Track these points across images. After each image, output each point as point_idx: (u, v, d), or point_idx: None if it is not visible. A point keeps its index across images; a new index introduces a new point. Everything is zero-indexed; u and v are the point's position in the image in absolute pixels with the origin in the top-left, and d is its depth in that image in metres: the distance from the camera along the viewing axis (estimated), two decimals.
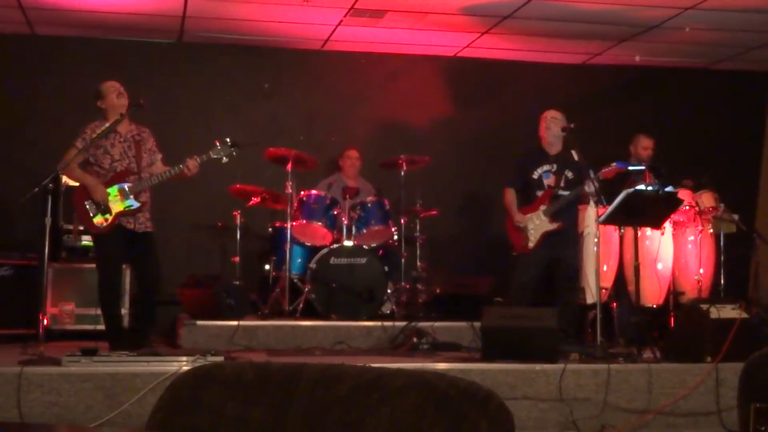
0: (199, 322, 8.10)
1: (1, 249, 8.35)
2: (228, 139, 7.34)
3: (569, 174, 8.09)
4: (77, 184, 7.16)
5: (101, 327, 8.69)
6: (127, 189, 7.02)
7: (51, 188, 6.80)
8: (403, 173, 9.36)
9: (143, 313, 7.45)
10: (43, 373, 6.04)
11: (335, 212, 9.05)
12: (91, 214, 6.97)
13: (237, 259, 9.45)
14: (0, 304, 8.08)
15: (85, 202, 6.98)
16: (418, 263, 9.44)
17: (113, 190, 6.98)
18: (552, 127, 8.17)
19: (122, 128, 7.21)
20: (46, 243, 6.69)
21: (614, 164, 8.04)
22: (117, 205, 6.95)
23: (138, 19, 9.86)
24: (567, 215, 8.12)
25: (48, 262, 6.84)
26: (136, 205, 7.11)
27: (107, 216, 6.89)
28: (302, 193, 9.17)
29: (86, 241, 8.98)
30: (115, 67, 10.43)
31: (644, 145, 9.27)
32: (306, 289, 8.74)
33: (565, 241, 8.10)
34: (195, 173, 7.28)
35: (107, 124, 7.07)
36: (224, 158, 7.36)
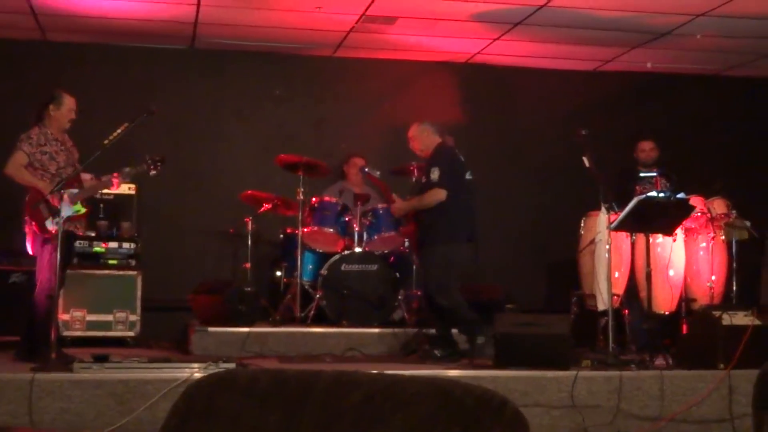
0: (211, 329, 8.11)
1: (14, 255, 8.36)
2: (157, 156, 7.43)
3: (424, 179, 8.08)
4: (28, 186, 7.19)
5: (113, 333, 8.78)
6: (74, 194, 7.08)
7: (62, 194, 6.84)
8: (414, 180, 9.35)
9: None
10: (54, 379, 6.06)
11: (346, 219, 9.06)
12: (45, 218, 7.00)
13: (248, 265, 9.45)
14: (12, 311, 8.08)
15: (39, 206, 7.02)
16: None
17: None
18: (418, 137, 8.17)
19: (62, 137, 7.39)
20: (59, 249, 6.69)
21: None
22: (66, 210, 6.97)
23: (150, 25, 9.88)
24: (417, 217, 8.15)
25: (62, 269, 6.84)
26: (83, 210, 7.24)
27: (58, 220, 6.89)
28: (313, 199, 9.18)
29: (98, 247, 9.01)
30: (126, 73, 10.50)
31: (642, 147, 9.25)
32: (317, 296, 8.75)
33: (421, 242, 8.10)
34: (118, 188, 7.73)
35: (47, 131, 7.27)
36: (152, 172, 7.46)
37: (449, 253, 7.75)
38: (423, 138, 8.08)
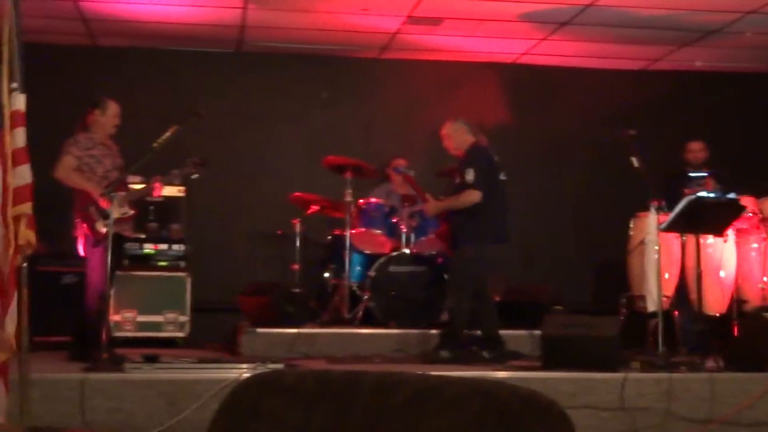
0: (259, 330, 8.15)
1: (66, 257, 8.46)
2: (198, 158, 7.49)
3: (458, 179, 7.94)
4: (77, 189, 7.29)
5: (163, 334, 8.87)
6: (122, 197, 7.15)
7: (121, 198, 6.93)
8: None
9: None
10: (105, 379, 6.13)
11: (394, 220, 9.06)
12: (95, 219, 7.10)
13: (297, 266, 9.49)
14: (65, 312, 8.17)
15: (90, 208, 7.11)
16: None
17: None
18: (452, 135, 8.05)
19: (107, 142, 7.52)
20: (109, 250, 6.77)
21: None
22: (115, 212, 7.02)
23: (197, 29, 9.96)
24: (451, 216, 8.06)
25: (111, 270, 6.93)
26: (130, 212, 7.36)
27: (108, 222, 6.96)
28: (361, 201, 9.20)
29: (148, 249, 9.10)
30: (175, 77, 10.59)
31: (690, 148, 9.19)
32: (365, 297, 8.76)
33: (454, 241, 8.02)
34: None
35: (94, 136, 7.41)
36: (194, 175, 7.56)
37: (475, 254, 7.76)
38: (456, 136, 8.02)
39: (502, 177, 7.95)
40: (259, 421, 2.49)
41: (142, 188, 7.55)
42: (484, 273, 7.93)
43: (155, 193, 7.58)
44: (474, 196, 7.68)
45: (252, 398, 2.53)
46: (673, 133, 10.20)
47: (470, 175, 7.69)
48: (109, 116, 7.47)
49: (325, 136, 10.79)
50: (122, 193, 7.20)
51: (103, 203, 7.02)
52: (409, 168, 9.28)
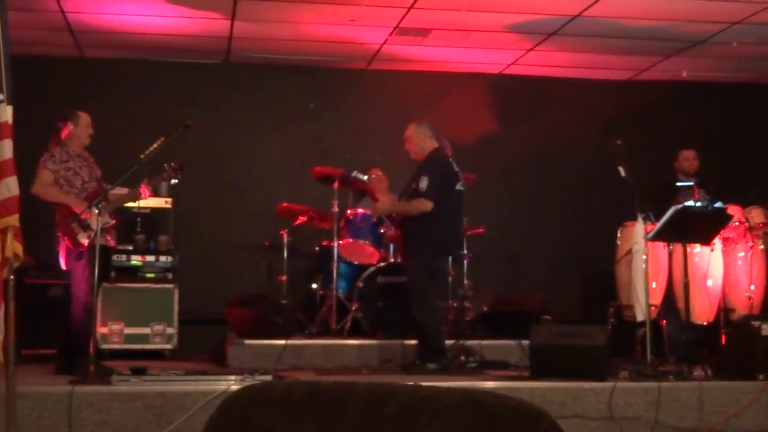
0: (247, 341, 8.12)
1: (53, 270, 8.42)
2: (176, 163, 7.50)
3: (414, 185, 7.78)
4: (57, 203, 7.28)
5: (150, 346, 8.84)
6: (103, 208, 7.11)
7: (101, 207, 6.90)
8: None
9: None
10: (93, 392, 6.11)
11: (382, 231, 9.05)
12: (77, 232, 7.08)
13: (284, 277, 9.48)
14: (51, 324, 8.15)
15: (69, 221, 7.08)
16: (465, 281, 9.40)
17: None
18: (414, 138, 7.96)
19: (84, 154, 7.51)
20: (96, 263, 6.75)
21: None
22: (95, 222, 7.00)
23: (185, 40, 9.95)
24: (404, 224, 7.92)
25: (98, 282, 6.90)
26: (112, 222, 7.39)
27: (90, 233, 6.95)
28: (348, 211, 9.19)
29: (135, 261, 9.08)
30: (163, 88, 10.57)
31: (685, 156, 9.15)
32: (353, 308, 8.75)
33: (407, 252, 7.94)
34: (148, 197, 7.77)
35: (68, 149, 7.39)
36: (173, 180, 7.64)
37: (434, 265, 7.71)
38: (419, 140, 7.90)
39: (460, 187, 7.82)
40: None
41: (121, 196, 7.53)
42: (438, 284, 7.90)
43: (144, 197, 7.59)
44: (425, 206, 7.54)
45: (241, 410, 2.53)
46: (660, 143, 10.23)
47: (424, 183, 7.56)
48: (82, 127, 7.46)
49: (313, 146, 10.79)
50: (103, 203, 7.18)
51: (85, 215, 6.99)
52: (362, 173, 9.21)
